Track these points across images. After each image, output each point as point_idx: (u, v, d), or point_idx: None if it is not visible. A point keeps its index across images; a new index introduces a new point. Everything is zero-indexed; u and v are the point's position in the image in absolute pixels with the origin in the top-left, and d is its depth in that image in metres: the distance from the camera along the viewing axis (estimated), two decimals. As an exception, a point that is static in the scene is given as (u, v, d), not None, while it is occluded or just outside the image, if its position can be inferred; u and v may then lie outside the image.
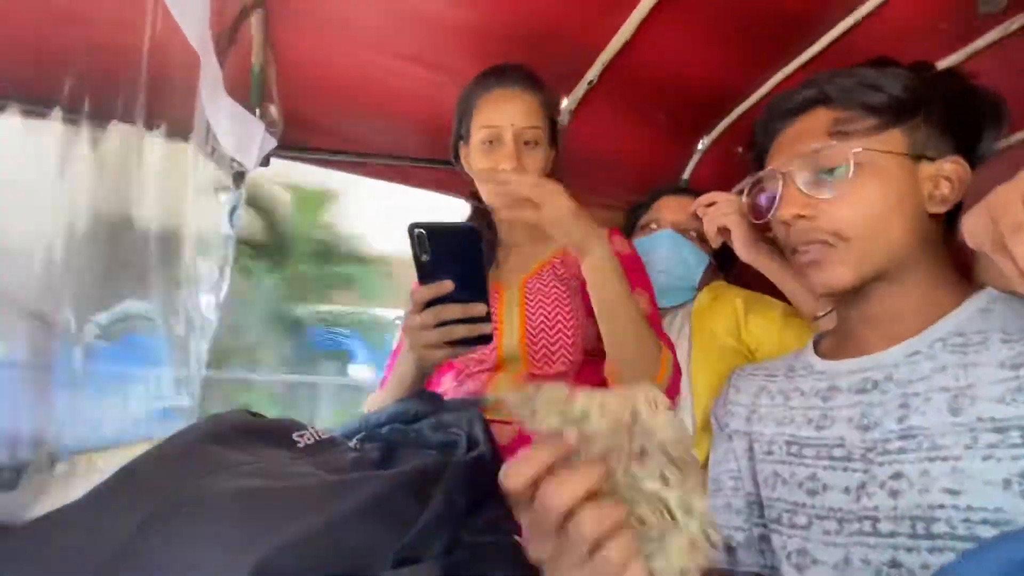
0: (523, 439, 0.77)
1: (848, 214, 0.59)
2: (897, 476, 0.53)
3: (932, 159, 0.60)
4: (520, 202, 0.71)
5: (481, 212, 0.98)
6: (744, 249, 0.94)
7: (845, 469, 0.58)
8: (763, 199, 0.68)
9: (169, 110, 0.80)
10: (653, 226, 1.13)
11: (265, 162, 1.10)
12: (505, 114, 0.86)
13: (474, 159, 0.90)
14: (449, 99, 0.94)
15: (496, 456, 0.61)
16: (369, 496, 0.43)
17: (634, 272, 0.89)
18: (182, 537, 0.35)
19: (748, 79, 1.06)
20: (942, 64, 0.82)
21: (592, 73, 1.03)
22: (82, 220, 0.80)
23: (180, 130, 0.84)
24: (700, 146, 1.28)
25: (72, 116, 0.82)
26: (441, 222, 0.61)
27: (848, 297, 0.64)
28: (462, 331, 0.63)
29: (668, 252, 1.07)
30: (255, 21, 0.91)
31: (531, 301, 0.88)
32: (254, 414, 0.65)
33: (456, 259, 0.60)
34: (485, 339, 0.65)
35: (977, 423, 0.50)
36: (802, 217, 0.61)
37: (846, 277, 0.60)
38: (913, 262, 0.60)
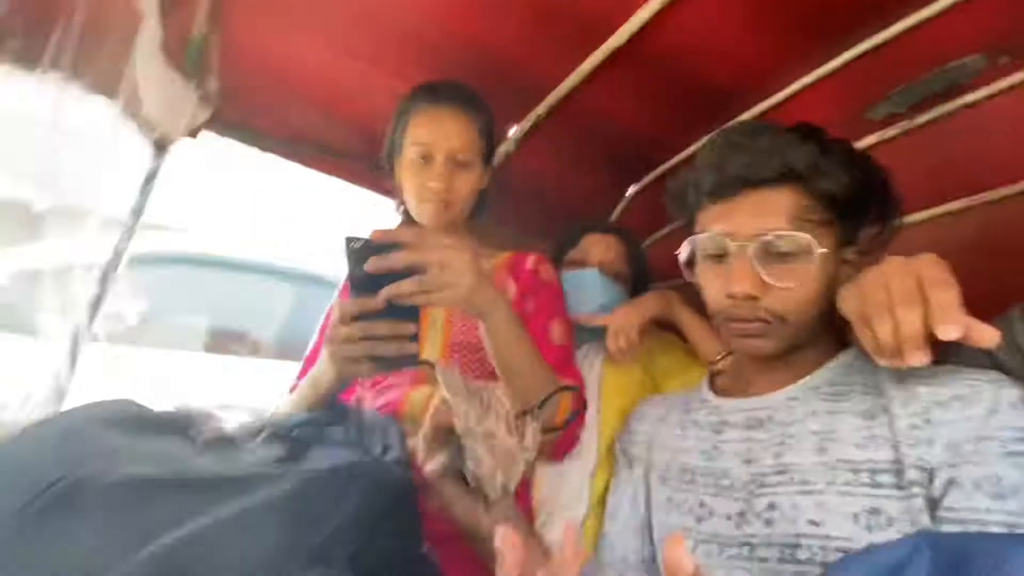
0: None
1: (793, 302, 0.63)
2: (771, 507, 0.60)
3: (852, 243, 0.67)
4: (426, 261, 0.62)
5: (411, 222, 0.96)
6: (663, 318, 1.06)
7: (728, 498, 0.64)
8: (697, 254, 0.70)
9: (97, 63, 0.74)
10: (579, 261, 1.19)
11: (193, 134, 1.04)
12: (438, 133, 0.84)
13: (404, 173, 0.88)
14: (391, 104, 0.93)
15: (409, 462, 0.61)
16: (280, 492, 0.42)
17: (556, 301, 0.93)
18: (64, 529, 0.31)
19: (677, 138, 1.16)
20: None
21: (541, 108, 1.09)
22: None
23: (105, 86, 0.77)
24: (629, 192, 1.37)
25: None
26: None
27: None
28: (387, 348, 0.61)
29: (593, 292, 1.12)
30: (206, -10, 0.87)
31: (455, 320, 0.88)
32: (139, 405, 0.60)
33: (392, 276, 0.59)
34: (409, 360, 0.63)
35: (837, 463, 0.58)
36: (752, 297, 0.63)
37: (775, 350, 0.66)
38: (814, 328, 0.67)
